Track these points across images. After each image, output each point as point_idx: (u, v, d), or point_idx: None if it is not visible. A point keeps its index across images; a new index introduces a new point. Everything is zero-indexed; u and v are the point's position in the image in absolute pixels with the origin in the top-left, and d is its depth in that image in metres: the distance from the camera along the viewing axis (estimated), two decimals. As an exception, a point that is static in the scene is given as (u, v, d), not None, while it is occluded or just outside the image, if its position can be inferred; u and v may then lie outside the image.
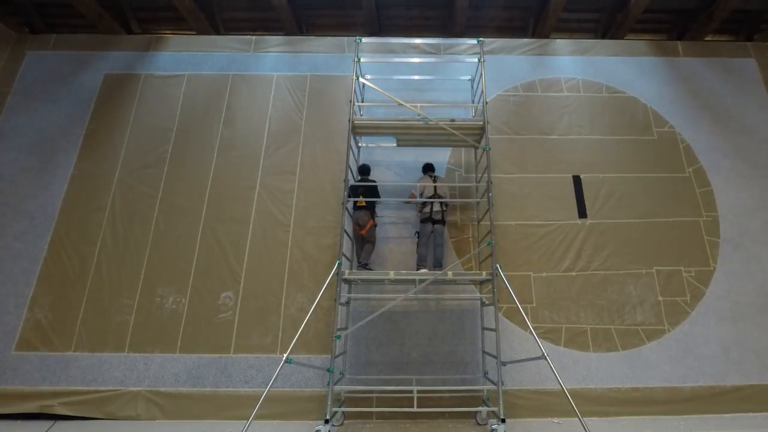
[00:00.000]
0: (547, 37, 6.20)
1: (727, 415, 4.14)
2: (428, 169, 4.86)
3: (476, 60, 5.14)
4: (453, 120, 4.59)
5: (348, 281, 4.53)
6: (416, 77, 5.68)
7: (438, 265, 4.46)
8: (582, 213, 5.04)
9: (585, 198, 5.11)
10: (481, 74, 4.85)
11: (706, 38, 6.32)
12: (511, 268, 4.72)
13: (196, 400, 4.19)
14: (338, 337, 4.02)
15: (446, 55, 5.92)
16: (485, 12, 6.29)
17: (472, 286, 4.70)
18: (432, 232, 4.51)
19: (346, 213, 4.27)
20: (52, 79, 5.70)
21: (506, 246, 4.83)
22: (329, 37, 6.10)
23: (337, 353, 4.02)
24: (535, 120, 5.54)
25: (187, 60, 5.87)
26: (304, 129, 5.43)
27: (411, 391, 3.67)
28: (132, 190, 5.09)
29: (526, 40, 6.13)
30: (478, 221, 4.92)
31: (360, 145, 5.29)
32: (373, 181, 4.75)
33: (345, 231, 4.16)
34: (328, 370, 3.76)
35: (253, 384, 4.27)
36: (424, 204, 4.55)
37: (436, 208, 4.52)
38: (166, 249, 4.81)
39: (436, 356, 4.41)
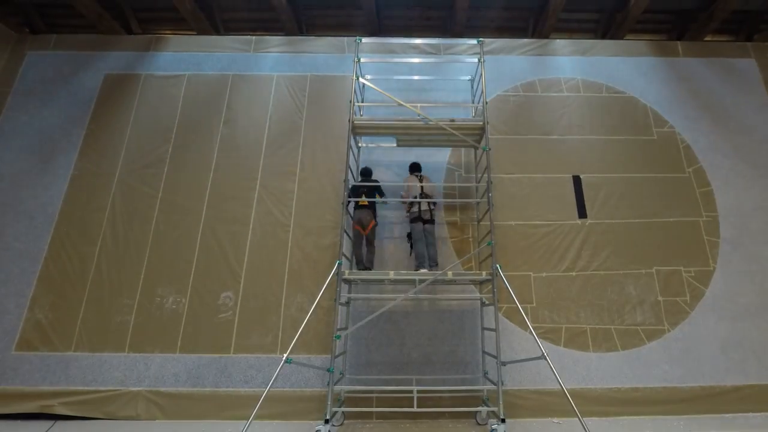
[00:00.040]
0: (547, 37, 6.20)
1: (727, 415, 4.14)
2: (415, 168, 4.86)
3: (476, 60, 5.14)
4: (453, 120, 4.59)
5: (348, 281, 4.53)
6: (416, 77, 5.68)
7: (434, 263, 4.47)
8: (582, 213, 5.04)
9: (585, 198, 5.11)
10: (481, 74, 4.85)
11: (706, 38, 6.32)
12: (511, 268, 4.72)
13: (196, 400, 4.19)
14: (338, 337, 4.02)
15: (446, 56, 5.92)
16: (485, 12, 6.29)
17: (472, 286, 4.71)
18: (423, 230, 4.51)
19: (347, 213, 4.27)
20: (52, 79, 5.70)
21: (506, 246, 4.83)
22: (329, 38, 6.11)
23: (337, 353, 4.03)
24: (535, 120, 5.54)
25: (187, 60, 5.88)
26: (304, 129, 5.43)
27: (411, 391, 3.67)
28: (132, 190, 5.09)
29: (526, 40, 6.13)
30: (478, 221, 4.92)
31: (360, 145, 5.29)
32: (376, 181, 4.76)
33: (345, 231, 4.17)
34: (328, 370, 3.76)
35: (253, 384, 4.27)
36: (411, 204, 4.56)
37: (424, 207, 4.51)
38: (166, 249, 4.81)
39: (436, 356, 4.41)
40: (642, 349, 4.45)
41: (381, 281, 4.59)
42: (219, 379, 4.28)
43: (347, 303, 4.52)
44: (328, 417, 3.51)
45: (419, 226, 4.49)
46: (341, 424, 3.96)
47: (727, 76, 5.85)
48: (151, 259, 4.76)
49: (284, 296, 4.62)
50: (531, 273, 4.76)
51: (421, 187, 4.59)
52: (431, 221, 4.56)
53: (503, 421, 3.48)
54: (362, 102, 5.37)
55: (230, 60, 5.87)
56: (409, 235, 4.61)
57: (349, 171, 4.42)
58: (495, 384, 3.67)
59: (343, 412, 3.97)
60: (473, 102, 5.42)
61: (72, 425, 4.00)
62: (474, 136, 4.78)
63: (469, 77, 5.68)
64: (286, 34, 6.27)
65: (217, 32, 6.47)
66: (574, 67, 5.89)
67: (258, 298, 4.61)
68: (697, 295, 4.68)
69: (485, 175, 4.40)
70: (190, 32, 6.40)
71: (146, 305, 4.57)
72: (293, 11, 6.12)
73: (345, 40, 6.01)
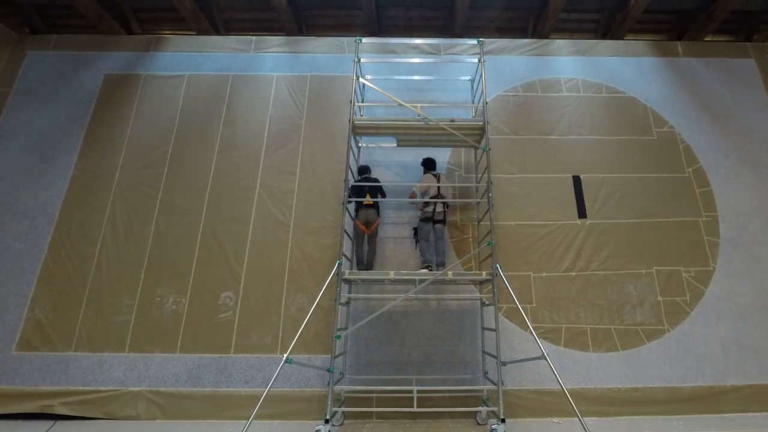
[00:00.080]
0: (547, 37, 6.21)
1: (727, 415, 4.14)
2: (430, 166, 4.81)
3: (476, 60, 5.14)
4: (453, 120, 4.60)
5: (348, 281, 4.53)
6: (416, 77, 5.67)
7: (441, 263, 4.46)
8: (582, 213, 5.04)
9: (585, 198, 5.11)
10: (481, 74, 4.85)
11: (706, 38, 6.32)
12: (511, 268, 4.72)
13: (196, 400, 4.19)
14: (338, 337, 4.02)
15: (446, 56, 5.92)
16: (485, 12, 6.29)
17: (472, 286, 4.71)
18: (432, 230, 4.50)
19: (347, 213, 4.27)
20: (52, 79, 5.70)
21: (506, 246, 4.84)
22: (329, 38, 6.11)
23: (337, 353, 4.03)
24: (535, 120, 5.54)
25: (187, 60, 5.88)
26: (304, 129, 5.43)
27: (411, 391, 3.67)
28: (132, 191, 5.09)
29: (526, 40, 6.13)
30: (478, 221, 4.92)
31: (360, 145, 5.29)
32: (377, 180, 4.76)
33: (345, 231, 4.17)
34: (328, 370, 3.76)
35: (253, 384, 4.27)
36: (426, 204, 4.54)
37: (439, 208, 4.50)
38: (166, 249, 4.81)
39: (436, 356, 4.41)
40: (642, 349, 4.45)
41: (381, 281, 4.59)
42: (219, 379, 4.28)
43: (347, 303, 4.52)
44: (328, 417, 3.51)
45: (428, 225, 4.47)
46: (341, 424, 3.96)
47: (727, 76, 5.85)
48: (151, 259, 4.76)
49: (284, 296, 4.62)
50: (531, 273, 4.76)
51: (438, 187, 4.55)
52: (442, 221, 4.55)
53: (503, 421, 3.48)
54: (362, 102, 5.38)
55: (230, 60, 5.87)
56: (416, 231, 4.60)
57: (349, 171, 4.42)
58: (495, 384, 3.68)
59: (343, 412, 3.97)
60: (473, 102, 5.42)
61: (72, 425, 4.00)
62: (474, 136, 4.78)
63: (469, 77, 5.68)
64: (286, 35, 6.27)
65: (217, 32, 6.47)
66: (574, 67, 5.90)
67: (258, 298, 4.61)
68: (697, 295, 4.68)
69: (485, 175, 4.40)
70: (190, 32, 6.40)
71: (146, 305, 4.57)
72: (293, 11, 6.13)
73: (345, 40, 6.01)
